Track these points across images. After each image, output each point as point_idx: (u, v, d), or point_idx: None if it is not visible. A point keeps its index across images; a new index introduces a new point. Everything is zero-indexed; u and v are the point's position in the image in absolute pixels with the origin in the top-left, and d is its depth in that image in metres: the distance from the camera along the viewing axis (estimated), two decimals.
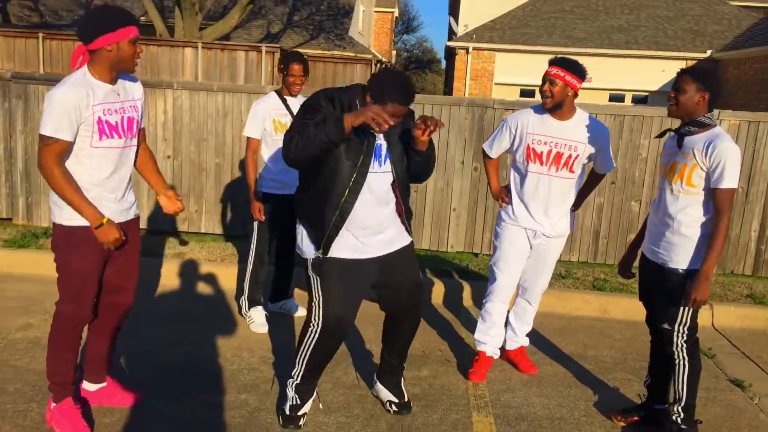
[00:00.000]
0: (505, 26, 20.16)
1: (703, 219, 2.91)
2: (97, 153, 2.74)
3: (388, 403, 3.31)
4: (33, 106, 6.23)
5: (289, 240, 4.36)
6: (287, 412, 3.12)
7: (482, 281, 5.12)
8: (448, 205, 6.14)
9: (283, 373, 3.61)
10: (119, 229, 2.78)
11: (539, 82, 3.53)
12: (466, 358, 4.02)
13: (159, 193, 3.09)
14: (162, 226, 6.33)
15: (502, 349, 3.91)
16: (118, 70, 2.77)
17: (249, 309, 4.32)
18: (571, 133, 3.46)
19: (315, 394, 3.22)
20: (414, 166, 3.01)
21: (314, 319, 2.98)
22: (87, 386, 3.15)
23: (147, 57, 13.85)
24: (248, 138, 4.15)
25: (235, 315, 4.57)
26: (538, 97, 4.39)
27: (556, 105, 3.41)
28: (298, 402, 3.13)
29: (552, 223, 3.58)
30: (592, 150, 3.50)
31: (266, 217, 4.18)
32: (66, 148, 2.67)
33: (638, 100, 19.09)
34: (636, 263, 3.34)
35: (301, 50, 20.09)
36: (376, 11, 34.86)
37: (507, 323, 3.92)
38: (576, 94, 3.41)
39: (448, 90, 25.81)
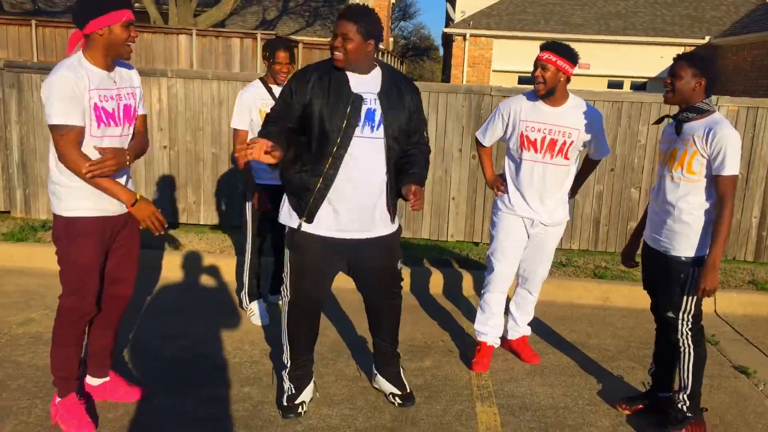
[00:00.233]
0: (502, 12, 20.03)
1: (706, 206, 2.89)
2: (95, 142, 2.68)
3: (390, 396, 3.29)
4: (27, 95, 6.16)
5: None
6: (284, 403, 3.12)
7: (483, 270, 5.09)
8: (447, 194, 6.11)
9: (283, 366, 3.59)
10: (151, 205, 2.74)
11: None
12: (469, 348, 4.01)
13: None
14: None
15: (504, 338, 3.90)
16: (113, 56, 2.71)
17: (249, 302, 4.29)
18: (565, 120, 3.41)
19: (312, 383, 3.21)
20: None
21: (283, 291, 3.04)
22: (90, 380, 3.12)
23: (141, 44, 13.72)
24: (235, 129, 4.00)
25: (236, 307, 4.54)
26: None
27: (548, 91, 3.35)
28: (294, 391, 3.13)
29: (548, 211, 3.54)
30: (586, 136, 3.45)
31: (260, 209, 4.12)
32: (80, 133, 2.60)
33: (637, 87, 19.03)
34: (638, 251, 3.31)
35: (296, 37, 19.92)
36: None
37: (508, 313, 3.90)
38: (568, 80, 3.36)
39: (445, 77, 25.70)
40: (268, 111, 2.96)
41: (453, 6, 25.35)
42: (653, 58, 18.48)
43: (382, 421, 3.11)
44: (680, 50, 17.47)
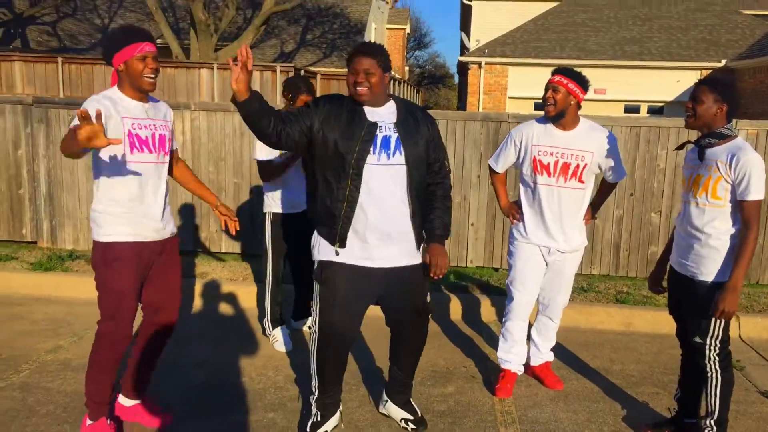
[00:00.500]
0: (516, 40, 20.23)
1: (732, 230, 2.89)
2: (131, 167, 2.79)
3: (403, 421, 3.29)
4: (55, 129, 6.34)
5: (304, 258, 4.35)
6: (307, 429, 3.12)
7: (503, 296, 5.09)
8: (466, 221, 6.14)
9: (309, 392, 3.61)
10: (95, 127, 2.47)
11: None
12: (491, 373, 4.00)
13: (213, 207, 3.20)
14: (183, 246, 6.38)
15: (527, 364, 3.89)
16: (137, 89, 2.81)
17: (273, 329, 4.33)
18: (577, 143, 3.44)
19: (339, 413, 3.21)
20: None
21: (314, 326, 3.02)
22: (123, 401, 3.15)
23: (164, 79, 14.07)
24: (258, 161, 4.03)
25: (258, 334, 4.58)
26: None
27: (559, 113, 3.39)
28: (319, 419, 3.13)
29: (566, 238, 3.54)
30: (600, 158, 3.47)
31: (279, 238, 4.18)
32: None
33: (654, 111, 19.00)
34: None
35: (314, 68, 20.26)
36: (387, 28, 35.16)
37: (530, 339, 3.90)
38: (579, 106, 3.40)
39: (461, 105, 25.90)
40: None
41: (468, 35, 25.67)
42: (670, 83, 18.47)
43: None
44: (697, 74, 17.48)
